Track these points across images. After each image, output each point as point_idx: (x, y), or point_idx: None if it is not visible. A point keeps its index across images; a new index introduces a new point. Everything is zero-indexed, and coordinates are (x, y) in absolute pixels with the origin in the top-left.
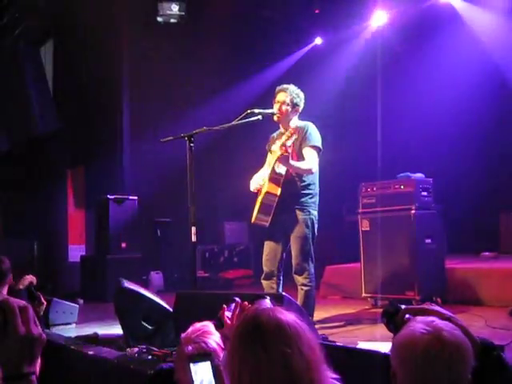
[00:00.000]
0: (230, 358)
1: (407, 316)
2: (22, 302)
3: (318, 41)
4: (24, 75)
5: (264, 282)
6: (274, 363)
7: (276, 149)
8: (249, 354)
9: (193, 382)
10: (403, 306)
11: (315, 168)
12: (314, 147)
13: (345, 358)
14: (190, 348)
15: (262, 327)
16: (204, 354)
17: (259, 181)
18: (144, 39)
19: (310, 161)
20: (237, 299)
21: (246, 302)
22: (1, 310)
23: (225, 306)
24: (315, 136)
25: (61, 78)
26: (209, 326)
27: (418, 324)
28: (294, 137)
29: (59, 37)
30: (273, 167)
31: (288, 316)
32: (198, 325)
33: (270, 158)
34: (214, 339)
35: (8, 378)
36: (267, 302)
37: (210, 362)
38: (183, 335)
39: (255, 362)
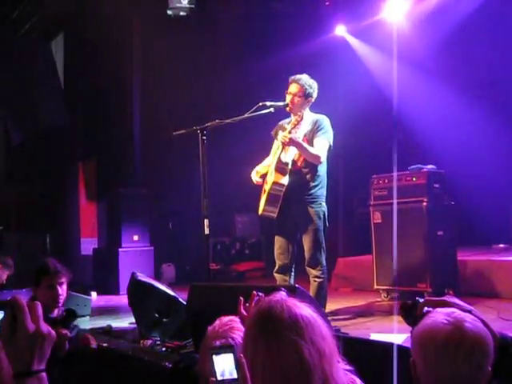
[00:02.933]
0: (244, 348)
1: (426, 308)
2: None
3: (339, 31)
4: (35, 69)
5: (277, 276)
6: (286, 353)
7: (281, 138)
8: (261, 344)
9: (214, 373)
10: (421, 300)
11: (323, 158)
12: (325, 140)
13: (358, 350)
14: (217, 343)
15: (275, 317)
16: (227, 347)
17: (259, 173)
18: (155, 31)
19: (320, 150)
20: (254, 292)
21: (262, 295)
22: (10, 308)
23: (241, 298)
24: (328, 130)
25: (72, 71)
26: (236, 320)
27: (439, 315)
28: (307, 127)
29: (70, 30)
30: (278, 157)
31: (301, 307)
32: (224, 319)
33: (275, 148)
34: (241, 334)
35: (18, 375)
36: (282, 294)
37: (233, 354)
38: (210, 329)
39: (268, 351)
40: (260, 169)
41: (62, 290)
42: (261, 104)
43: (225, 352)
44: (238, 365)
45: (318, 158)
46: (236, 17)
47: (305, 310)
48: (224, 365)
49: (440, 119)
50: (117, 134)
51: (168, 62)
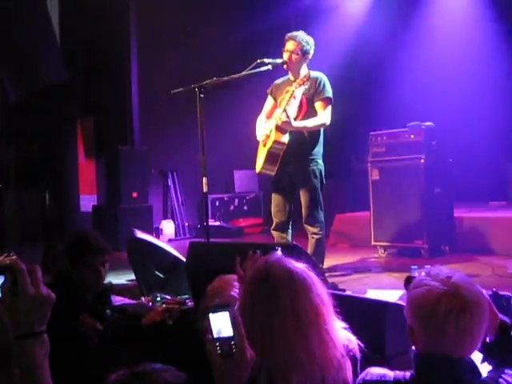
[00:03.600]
0: (242, 308)
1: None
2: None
3: None
4: (30, 26)
5: (274, 233)
6: (283, 312)
7: (276, 120)
8: (259, 304)
9: (211, 330)
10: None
11: (328, 121)
12: (328, 99)
13: (354, 307)
14: (217, 300)
15: (272, 277)
16: (223, 305)
17: (266, 131)
18: None
19: (324, 115)
20: (250, 252)
21: (259, 254)
22: (10, 271)
23: (238, 258)
24: (328, 88)
25: (68, 28)
26: (235, 279)
27: (434, 282)
28: (305, 86)
29: None
30: (279, 116)
31: (298, 266)
32: (224, 278)
33: (270, 106)
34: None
35: (20, 337)
36: (279, 254)
37: (229, 312)
38: (210, 287)
39: (265, 310)
40: (266, 125)
41: (105, 271)
42: (259, 61)
43: (221, 310)
44: (234, 323)
45: (322, 125)
46: None
47: (301, 269)
48: (220, 323)
49: (439, 75)
50: (115, 90)
51: (166, 17)
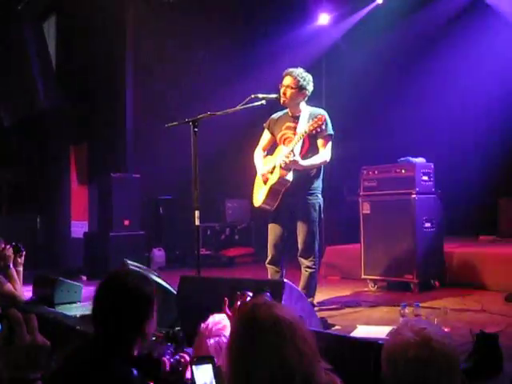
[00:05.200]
0: (229, 352)
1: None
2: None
3: (324, 20)
4: (27, 51)
5: (269, 267)
6: (269, 357)
7: (281, 163)
8: (246, 348)
9: (195, 381)
10: None
11: (329, 158)
12: (329, 137)
13: (340, 347)
14: (211, 341)
15: (259, 322)
16: (206, 357)
17: (268, 168)
18: (149, 15)
19: (326, 152)
20: (238, 293)
21: (247, 295)
22: (6, 320)
23: (226, 299)
24: (329, 126)
25: (64, 54)
26: (227, 319)
27: (407, 332)
28: (306, 123)
29: (62, 12)
30: (287, 156)
31: (284, 309)
32: (217, 317)
33: (266, 141)
34: None
35: (15, 383)
36: (266, 297)
37: (212, 364)
38: (203, 327)
39: (252, 355)
40: (267, 161)
41: None
42: (253, 96)
43: (204, 363)
44: (217, 373)
45: (324, 162)
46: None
47: (287, 312)
48: (204, 374)
49: (430, 109)
50: (109, 118)
51: (161, 46)
